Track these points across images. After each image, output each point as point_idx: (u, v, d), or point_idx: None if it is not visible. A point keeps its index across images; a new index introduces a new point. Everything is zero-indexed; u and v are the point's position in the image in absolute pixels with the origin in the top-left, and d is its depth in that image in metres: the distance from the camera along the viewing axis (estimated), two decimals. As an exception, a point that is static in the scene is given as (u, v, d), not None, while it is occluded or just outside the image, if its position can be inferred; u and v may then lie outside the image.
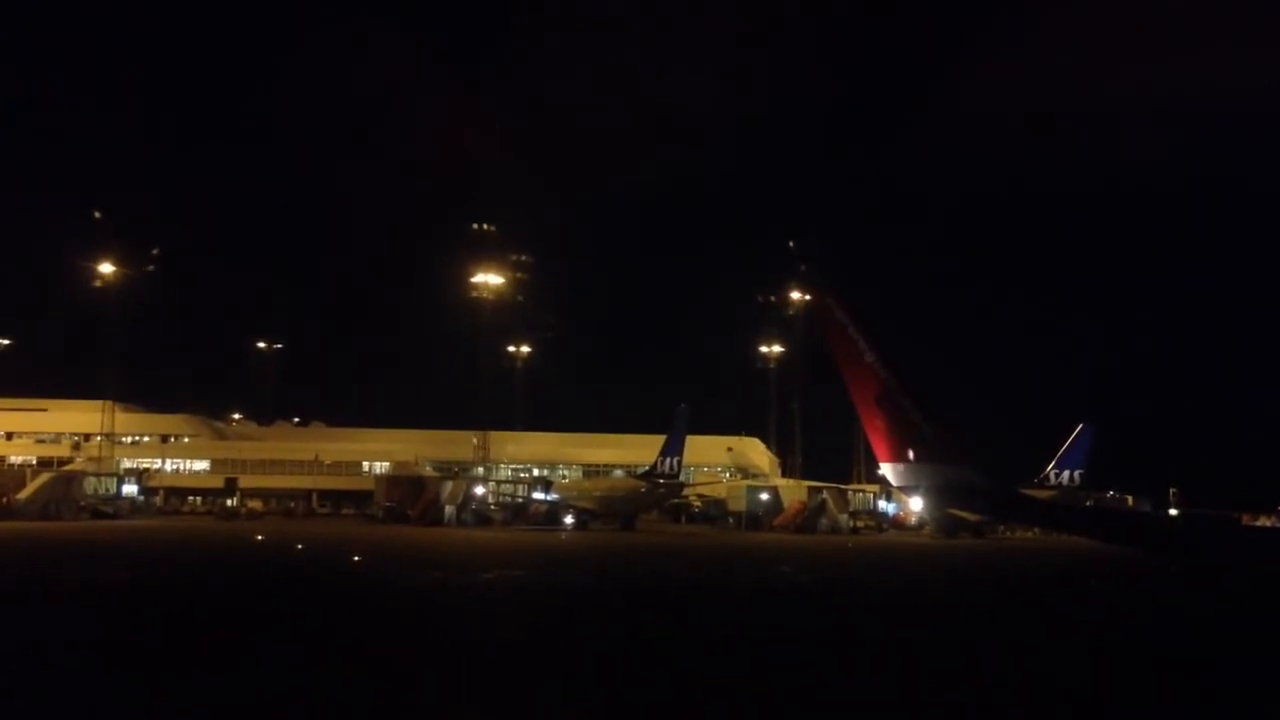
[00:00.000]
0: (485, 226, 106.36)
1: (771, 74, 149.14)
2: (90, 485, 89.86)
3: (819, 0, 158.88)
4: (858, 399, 18.50)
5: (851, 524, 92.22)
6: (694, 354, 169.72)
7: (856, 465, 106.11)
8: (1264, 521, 76.24)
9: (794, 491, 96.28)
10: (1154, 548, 22.26)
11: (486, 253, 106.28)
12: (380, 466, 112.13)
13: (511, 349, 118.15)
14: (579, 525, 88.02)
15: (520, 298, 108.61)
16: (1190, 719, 18.28)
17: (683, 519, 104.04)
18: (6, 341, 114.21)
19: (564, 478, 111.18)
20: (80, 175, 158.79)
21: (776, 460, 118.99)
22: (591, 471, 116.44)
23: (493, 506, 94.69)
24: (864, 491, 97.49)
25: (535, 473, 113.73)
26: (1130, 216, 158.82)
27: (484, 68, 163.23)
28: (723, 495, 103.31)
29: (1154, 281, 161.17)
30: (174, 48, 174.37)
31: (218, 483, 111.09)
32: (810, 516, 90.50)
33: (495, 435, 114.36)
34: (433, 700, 17.65)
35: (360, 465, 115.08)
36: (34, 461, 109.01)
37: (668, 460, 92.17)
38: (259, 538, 63.23)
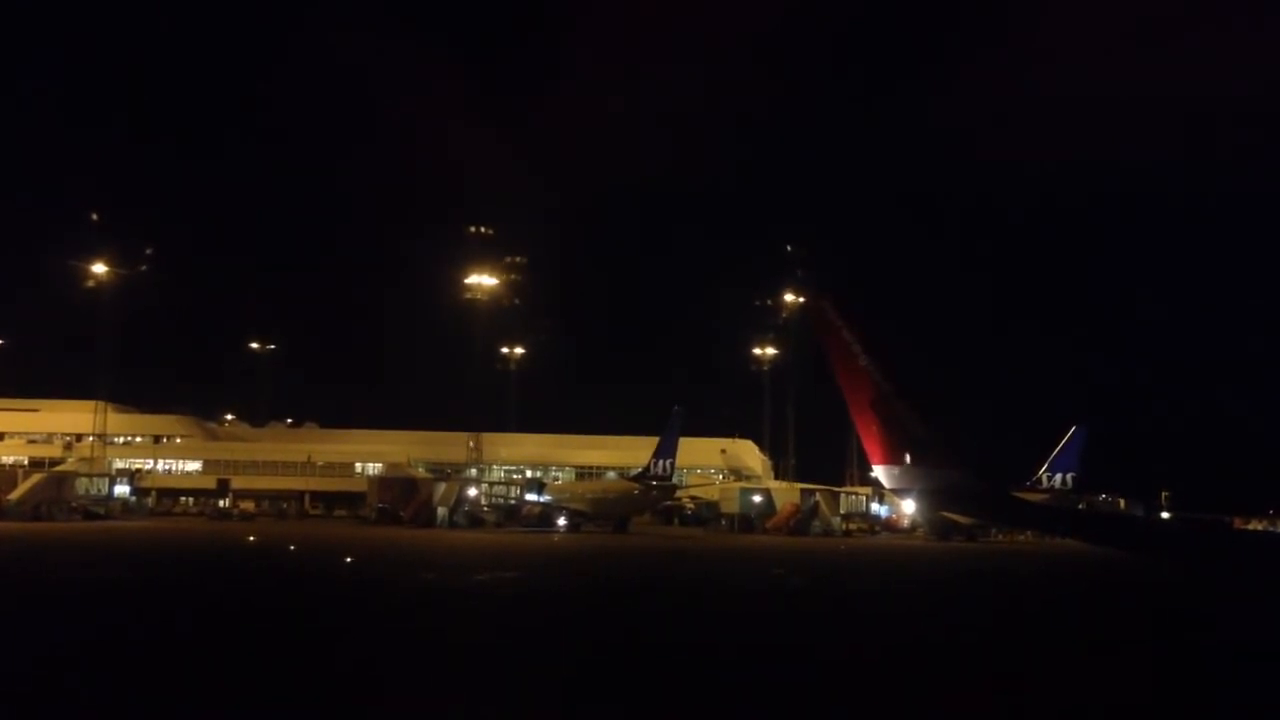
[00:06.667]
0: (481, 227, 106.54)
1: (771, 74, 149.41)
2: (82, 486, 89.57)
3: (818, 0, 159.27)
4: (851, 402, 18.48)
5: (844, 527, 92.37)
6: (688, 356, 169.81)
7: (849, 468, 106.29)
8: (1255, 525, 76.47)
9: (787, 494, 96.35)
10: (1146, 551, 22.28)
11: (481, 254, 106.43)
12: (373, 468, 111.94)
13: (505, 350, 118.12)
14: (571, 527, 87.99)
15: (514, 299, 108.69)
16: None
17: (675, 521, 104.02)
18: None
19: (556, 480, 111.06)
20: (74, 175, 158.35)
21: (770, 462, 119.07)
22: (584, 473, 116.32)
23: (485, 508, 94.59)
24: (857, 494, 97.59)
25: (528, 474, 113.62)
26: (1125, 219, 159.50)
27: (483, 68, 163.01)
28: (715, 498, 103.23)
29: (1147, 284, 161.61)
30: (170, 47, 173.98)
31: (210, 484, 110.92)
32: (803, 519, 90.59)
33: (488, 437, 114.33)
34: (423, 701, 17.62)
35: (353, 467, 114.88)
36: (25, 462, 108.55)
37: (661, 462, 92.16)
38: (250, 539, 63.09)
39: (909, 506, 73.30)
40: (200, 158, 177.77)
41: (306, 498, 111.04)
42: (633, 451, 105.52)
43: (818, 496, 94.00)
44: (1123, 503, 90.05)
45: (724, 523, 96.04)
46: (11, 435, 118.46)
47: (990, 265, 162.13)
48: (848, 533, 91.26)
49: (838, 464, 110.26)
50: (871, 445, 18.58)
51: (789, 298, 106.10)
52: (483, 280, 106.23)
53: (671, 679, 19.87)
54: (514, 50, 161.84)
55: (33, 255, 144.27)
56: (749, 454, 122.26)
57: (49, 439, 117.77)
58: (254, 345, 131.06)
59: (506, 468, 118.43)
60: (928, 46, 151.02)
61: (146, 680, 18.63)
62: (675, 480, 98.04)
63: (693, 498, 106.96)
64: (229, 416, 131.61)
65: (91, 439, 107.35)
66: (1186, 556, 20.19)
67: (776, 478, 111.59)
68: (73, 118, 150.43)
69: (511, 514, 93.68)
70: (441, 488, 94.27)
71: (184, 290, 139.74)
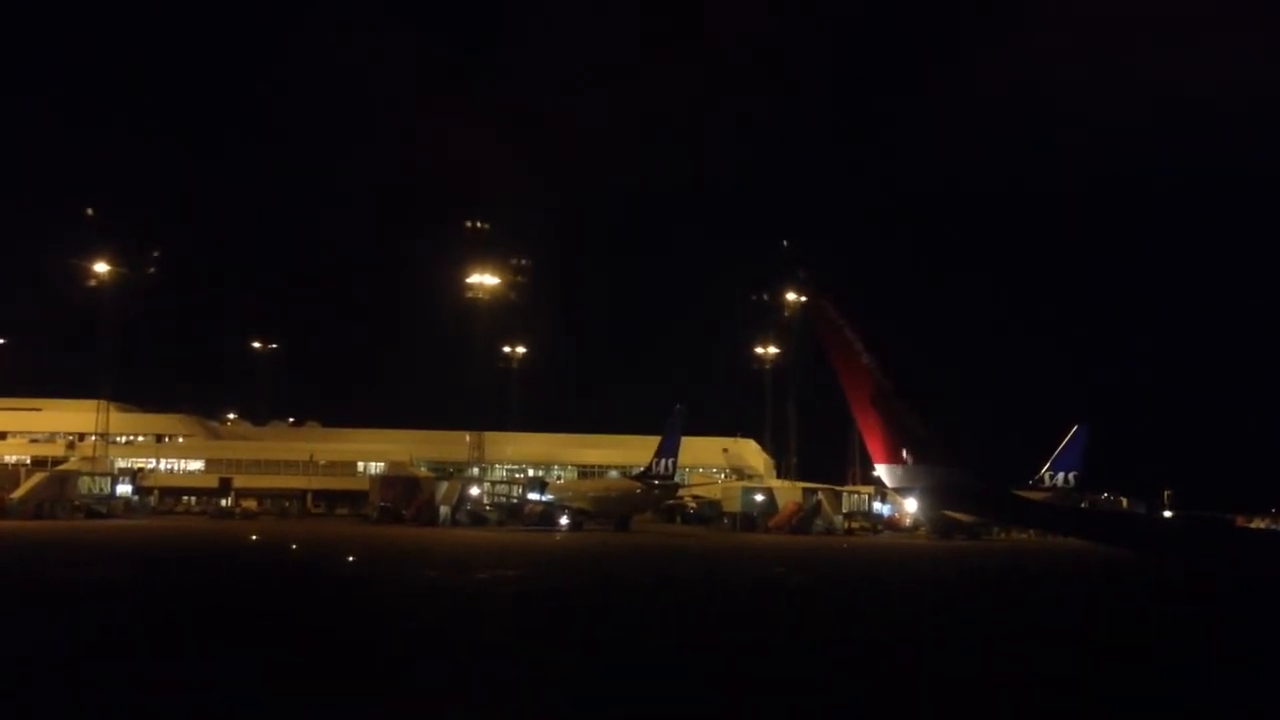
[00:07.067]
0: (481, 226, 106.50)
1: (771, 73, 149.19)
2: (84, 485, 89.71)
3: (818, 1, 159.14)
4: (853, 400, 18.48)
5: (846, 525, 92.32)
6: (690, 354, 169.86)
7: (852, 466, 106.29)
8: (1257, 523, 76.48)
9: (789, 493, 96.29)
10: (1148, 550, 22.28)
11: (481, 254, 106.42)
12: (375, 467, 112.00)
13: (506, 349, 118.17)
14: (574, 526, 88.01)
15: (515, 299, 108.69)
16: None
17: (678, 520, 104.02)
18: (1, 340, 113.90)
19: (559, 478, 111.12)
20: (76, 174, 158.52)
21: (772, 461, 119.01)
22: (586, 472, 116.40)
23: (487, 507, 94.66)
24: (859, 493, 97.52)
25: (530, 473, 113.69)
26: (1127, 217, 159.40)
27: (484, 68, 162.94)
28: (718, 496, 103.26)
29: (1150, 282, 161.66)
30: (170, 47, 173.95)
31: (212, 483, 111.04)
32: (805, 518, 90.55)
33: (490, 435, 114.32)
34: (425, 700, 17.64)
35: (355, 465, 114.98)
36: (28, 461, 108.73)
37: (663, 461, 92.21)
38: (253, 538, 63.15)
39: (911, 505, 73.25)
40: (200, 158, 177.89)
41: (309, 496, 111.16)
42: (635, 450, 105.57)
43: (820, 495, 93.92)
44: (1125, 501, 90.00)
45: (726, 521, 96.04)
46: (14, 434, 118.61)
47: (990, 265, 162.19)
48: (850, 531, 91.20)
49: (840, 463, 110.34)
50: (873, 444, 18.58)
51: (790, 296, 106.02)
52: (483, 280, 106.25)
53: (673, 677, 19.89)
54: (514, 50, 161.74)
55: (33, 255, 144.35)
56: (751, 453, 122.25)
57: (51, 438, 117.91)
58: (256, 344, 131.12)
59: (508, 466, 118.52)
60: (928, 46, 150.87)
61: (147, 680, 18.65)
62: (677, 479, 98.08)
63: (695, 496, 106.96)
64: (231, 415, 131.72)
65: (94, 438, 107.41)
66: (1189, 555, 20.19)
67: (779, 476, 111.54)
68: (73, 118, 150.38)
69: (514, 513, 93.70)
70: (444, 486, 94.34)
71: (184, 290, 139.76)
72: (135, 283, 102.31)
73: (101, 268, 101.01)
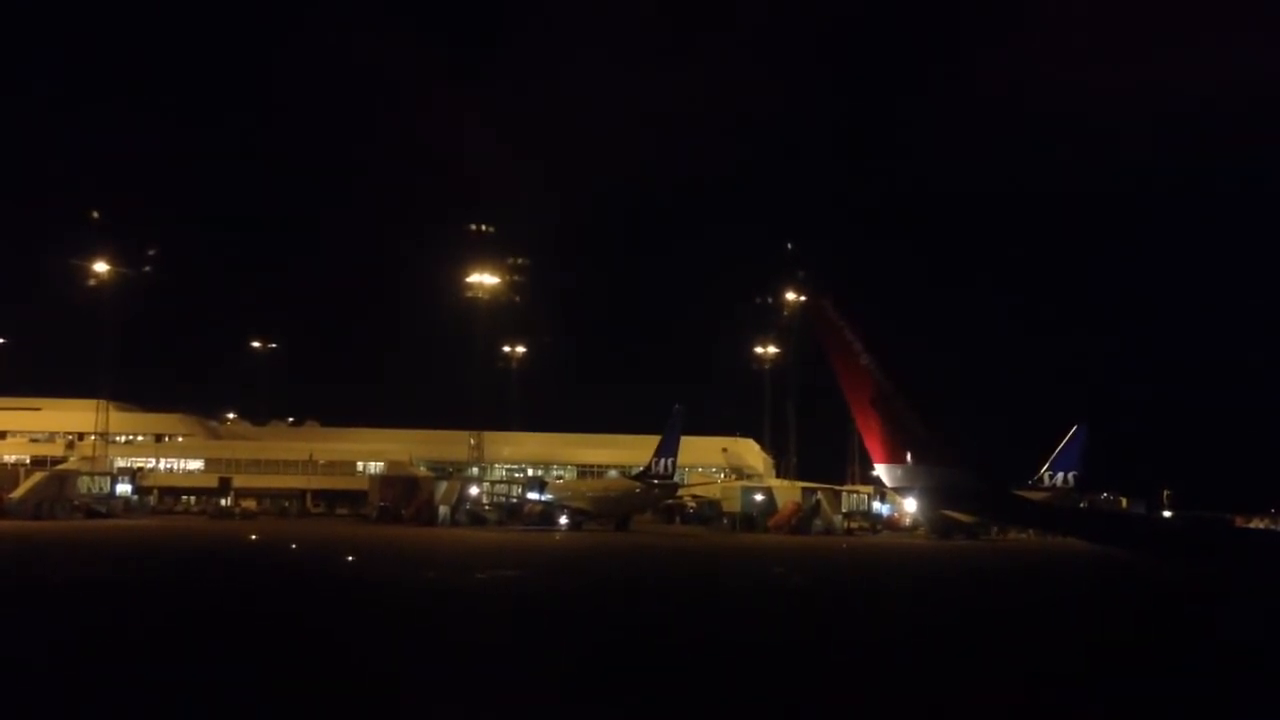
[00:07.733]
0: (481, 227, 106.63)
1: (771, 74, 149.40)
2: (84, 484, 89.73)
3: (818, 1, 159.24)
4: (852, 400, 18.47)
5: (846, 525, 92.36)
6: (689, 354, 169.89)
7: (851, 466, 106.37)
8: (1257, 523, 76.53)
9: (788, 492, 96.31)
10: (1147, 550, 22.28)
11: (481, 254, 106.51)
12: (374, 466, 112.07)
13: (506, 349, 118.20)
14: (573, 526, 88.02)
15: (515, 299, 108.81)
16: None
17: (677, 520, 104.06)
18: (1, 340, 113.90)
19: (558, 478, 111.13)
20: (76, 173, 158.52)
21: (771, 461, 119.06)
22: (586, 472, 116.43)
23: (487, 507, 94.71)
24: (858, 493, 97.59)
25: (530, 473, 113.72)
26: (1126, 217, 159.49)
27: (483, 67, 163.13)
28: (717, 496, 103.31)
29: (1149, 283, 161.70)
30: (171, 47, 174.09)
31: (212, 482, 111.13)
32: (804, 518, 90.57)
33: (490, 435, 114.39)
34: (422, 701, 17.64)
35: (354, 465, 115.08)
36: (27, 461, 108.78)
37: (662, 461, 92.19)
38: (253, 537, 63.15)
39: (910, 505, 73.31)
40: (201, 157, 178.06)
41: (308, 496, 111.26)
42: (634, 450, 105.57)
43: (819, 495, 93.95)
44: (1124, 501, 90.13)
45: (726, 521, 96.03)
46: (14, 434, 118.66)
47: (990, 265, 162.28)
48: (849, 531, 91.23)
49: (839, 462, 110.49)
50: (873, 444, 18.57)
51: (789, 296, 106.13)
52: (483, 279, 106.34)
53: (672, 679, 19.89)
54: (514, 50, 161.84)
55: (33, 255, 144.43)
56: (750, 453, 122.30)
57: (51, 438, 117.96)
58: (256, 344, 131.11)
59: (508, 466, 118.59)
60: (928, 46, 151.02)
61: (145, 681, 18.65)
62: (677, 479, 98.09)
63: (694, 496, 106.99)
64: (230, 415, 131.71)
65: (93, 438, 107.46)
66: (1188, 554, 20.18)
67: (778, 476, 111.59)
68: (73, 117, 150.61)
69: (513, 512, 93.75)
70: (443, 486, 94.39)
71: (184, 290, 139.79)
72: (135, 283, 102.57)
73: (101, 268, 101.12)
